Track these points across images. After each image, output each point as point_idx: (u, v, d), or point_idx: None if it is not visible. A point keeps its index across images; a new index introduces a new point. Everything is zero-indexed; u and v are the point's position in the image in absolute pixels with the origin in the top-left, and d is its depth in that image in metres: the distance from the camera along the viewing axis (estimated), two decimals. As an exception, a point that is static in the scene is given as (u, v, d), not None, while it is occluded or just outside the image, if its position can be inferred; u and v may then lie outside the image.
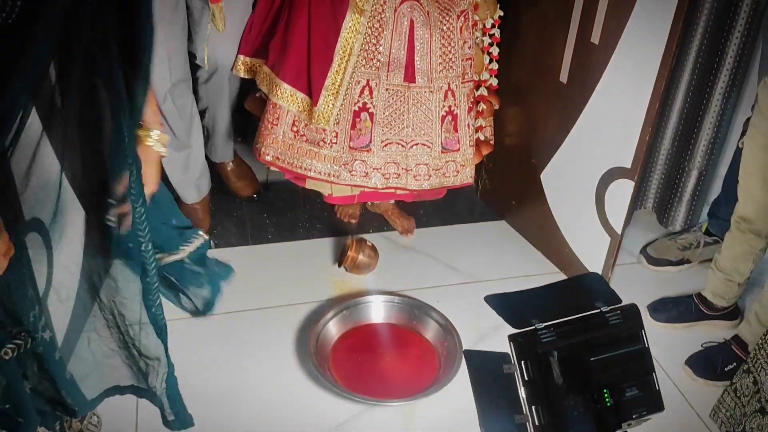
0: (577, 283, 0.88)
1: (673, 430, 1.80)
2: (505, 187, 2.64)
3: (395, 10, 2.00)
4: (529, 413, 0.78)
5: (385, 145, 2.12)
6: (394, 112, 2.09)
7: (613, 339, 0.80)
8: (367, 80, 2.05)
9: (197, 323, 2.13)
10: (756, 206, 1.95)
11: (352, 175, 2.14)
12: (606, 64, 2.04)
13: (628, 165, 2.05)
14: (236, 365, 2.01)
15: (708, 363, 2.05)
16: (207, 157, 2.51)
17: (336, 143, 2.10)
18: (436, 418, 1.88)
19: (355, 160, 2.13)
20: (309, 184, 2.23)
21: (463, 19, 2.09)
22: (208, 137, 2.46)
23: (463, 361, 1.94)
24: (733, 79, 2.31)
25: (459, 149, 2.18)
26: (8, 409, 1.15)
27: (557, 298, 0.86)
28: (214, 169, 2.58)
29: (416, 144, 2.14)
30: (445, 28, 2.05)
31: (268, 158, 2.16)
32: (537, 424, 0.78)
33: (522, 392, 0.79)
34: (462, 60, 2.11)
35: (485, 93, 2.29)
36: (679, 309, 2.23)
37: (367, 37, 2.00)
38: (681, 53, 2.30)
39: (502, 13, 2.24)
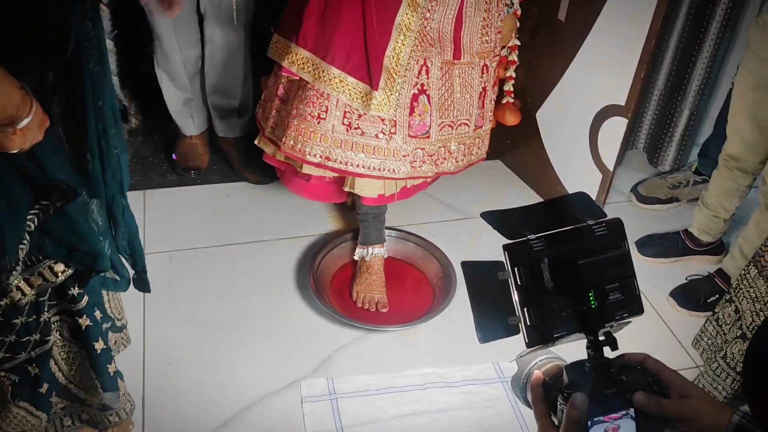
0: (566, 201, 0.93)
1: (656, 358, 1.89)
2: (501, 126, 2.68)
3: None
4: (521, 315, 0.83)
5: (441, 129, 1.90)
6: (446, 92, 1.87)
7: (599, 247, 0.85)
8: (425, 59, 1.80)
9: (198, 255, 2.20)
10: (744, 145, 2.00)
11: (413, 167, 1.89)
12: (604, 2, 2.06)
13: (622, 102, 2.09)
14: (238, 294, 2.08)
15: (691, 295, 2.14)
16: (215, 132, 2.56)
17: (395, 133, 1.84)
18: (428, 344, 1.97)
19: (416, 149, 1.88)
20: (357, 188, 1.95)
21: None
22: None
23: (457, 292, 2.05)
24: (727, 20, 2.33)
25: (483, 125, 2.04)
26: (83, 249, 1.28)
27: (548, 214, 0.91)
28: (222, 151, 2.59)
29: (462, 123, 1.94)
30: None
31: (316, 159, 1.84)
32: (529, 324, 0.83)
33: (515, 296, 0.83)
34: (495, 33, 1.93)
35: (515, 57, 2.23)
36: (666, 244, 2.30)
37: (422, 11, 1.75)
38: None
39: None
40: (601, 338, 0.86)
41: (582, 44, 2.18)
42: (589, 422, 0.80)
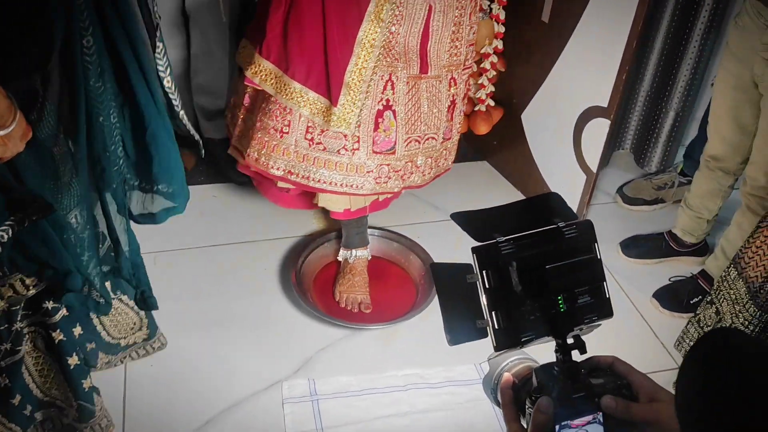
0: (537, 202, 0.92)
1: (638, 359, 1.88)
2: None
3: None
4: (489, 318, 0.82)
5: (407, 144, 1.88)
6: (413, 107, 1.84)
7: (569, 250, 0.84)
8: (390, 74, 1.77)
9: (183, 255, 2.20)
10: (725, 145, 2.01)
11: (377, 182, 1.88)
12: (587, 3, 2.06)
13: (604, 104, 2.10)
14: (222, 295, 2.08)
15: (674, 296, 2.14)
16: (201, 133, 2.54)
17: (358, 149, 1.82)
18: (411, 345, 1.97)
19: (381, 165, 1.86)
20: (322, 201, 1.98)
21: (474, 2, 1.88)
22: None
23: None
24: (712, 21, 2.34)
25: (451, 137, 2.02)
26: (54, 266, 1.28)
27: (519, 215, 0.90)
28: (208, 152, 2.57)
29: (429, 138, 1.92)
30: (457, 13, 1.81)
31: (279, 172, 1.84)
32: (497, 327, 0.82)
33: (483, 299, 0.82)
34: (466, 46, 1.89)
35: (488, 65, 2.22)
36: (650, 245, 2.31)
37: (387, 25, 1.72)
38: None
39: None
40: (570, 341, 0.86)
41: (565, 46, 2.18)
42: (556, 427, 0.80)
